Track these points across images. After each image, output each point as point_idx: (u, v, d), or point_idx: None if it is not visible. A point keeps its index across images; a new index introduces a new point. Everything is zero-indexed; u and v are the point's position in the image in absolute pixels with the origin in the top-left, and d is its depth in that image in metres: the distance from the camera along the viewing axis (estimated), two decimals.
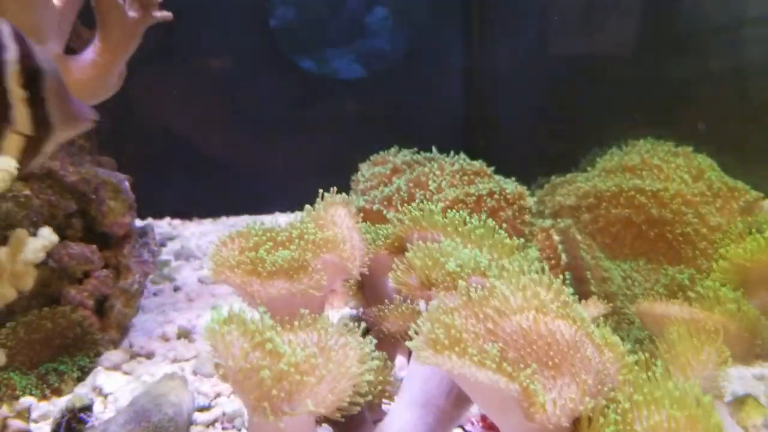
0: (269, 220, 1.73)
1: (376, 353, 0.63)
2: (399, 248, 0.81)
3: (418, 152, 1.27)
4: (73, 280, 1.01)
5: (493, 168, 1.17)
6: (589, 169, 1.24)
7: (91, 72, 1.07)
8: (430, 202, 1.10)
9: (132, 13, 1.05)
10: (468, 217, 0.79)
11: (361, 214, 1.03)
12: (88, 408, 0.78)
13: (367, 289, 0.88)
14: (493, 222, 0.78)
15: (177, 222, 1.81)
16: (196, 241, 1.60)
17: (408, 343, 0.56)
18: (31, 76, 0.63)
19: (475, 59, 1.97)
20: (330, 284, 0.74)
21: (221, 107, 1.90)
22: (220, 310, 0.61)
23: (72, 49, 1.12)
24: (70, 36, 1.12)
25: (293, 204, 1.88)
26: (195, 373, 0.95)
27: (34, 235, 0.77)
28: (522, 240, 0.81)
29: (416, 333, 0.56)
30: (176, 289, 1.29)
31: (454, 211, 1.08)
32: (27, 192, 0.97)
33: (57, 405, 0.87)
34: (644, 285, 1.04)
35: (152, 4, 1.07)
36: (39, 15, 1.03)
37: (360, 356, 0.59)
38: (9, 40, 0.62)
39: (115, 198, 1.05)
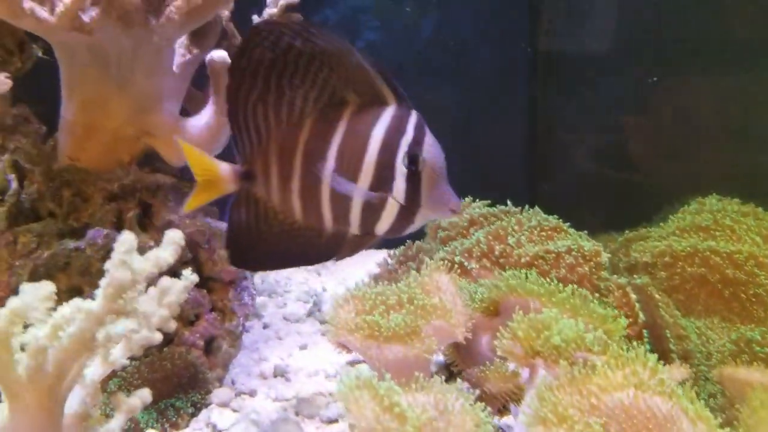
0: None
1: (489, 418, 0.70)
2: (494, 311, 0.89)
3: (493, 205, 1.34)
4: (186, 321, 1.11)
5: (562, 221, 1.24)
6: (661, 224, 1.29)
7: (206, 133, 1.19)
8: (510, 258, 1.17)
9: None
10: (560, 284, 0.86)
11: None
12: None
13: (462, 348, 0.95)
14: (585, 290, 0.84)
15: None
16: (274, 276, 1.70)
17: (519, 418, 0.63)
18: (414, 159, 0.77)
19: (542, 108, 2.04)
20: (438, 347, 0.82)
21: None
22: (350, 375, 0.69)
23: (185, 109, 1.24)
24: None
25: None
26: (297, 413, 1.04)
27: None
28: (615, 311, 0.88)
29: (527, 409, 0.64)
30: (265, 326, 1.39)
31: (535, 268, 1.15)
32: (151, 243, 1.08)
33: None
34: (718, 343, 1.09)
35: None
36: (162, 81, 1.15)
37: (476, 420, 0.67)
38: (410, 127, 0.77)
39: (224, 248, 1.15)
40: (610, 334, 0.82)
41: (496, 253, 1.16)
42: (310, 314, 1.45)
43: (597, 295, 1.12)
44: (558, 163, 2.03)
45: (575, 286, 0.85)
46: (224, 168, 0.83)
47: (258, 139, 0.83)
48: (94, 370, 0.79)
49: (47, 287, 0.75)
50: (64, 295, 1.05)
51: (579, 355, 0.71)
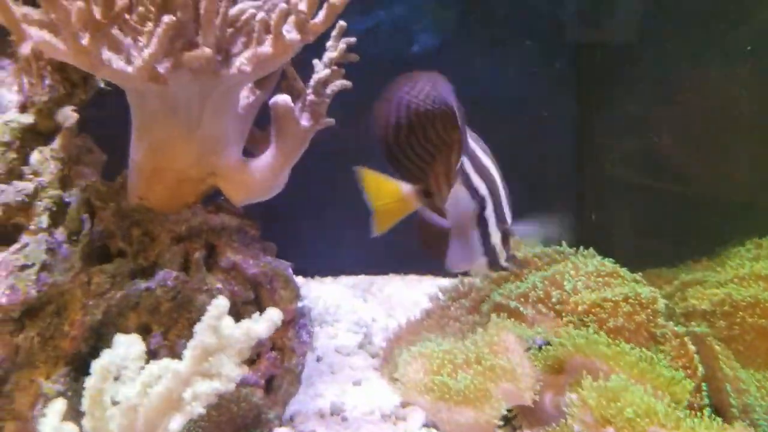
0: (383, 281, 1.85)
1: None
2: (558, 369, 0.90)
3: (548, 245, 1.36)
4: (248, 361, 1.14)
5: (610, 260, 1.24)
6: (718, 269, 1.29)
7: (268, 173, 1.22)
8: (567, 305, 1.18)
9: (305, 123, 1.19)
10: (627, 345, 0.86)
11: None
12: None
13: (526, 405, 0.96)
14: (651, 353, 0.85)
15: (300, 280, 1.94)
16: (323, 303, 1.73)
17: None
18: None
19: (590, 134, 2.04)
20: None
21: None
22: None
23: (246, 149, 1.27)
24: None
25: (407, 268, 1.99)
26: None
27: None
28: (681, 374, 0.88)
29: None
30: (318, 359, 1.41)
31: (593, 315, 1.16)
32: (219, 285, 1.12)
33: None
34: None
35: (321, 115, 1.20)
36: (227, 124, 1.19)
37: None
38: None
39: (285, 288, 1.19)
40: (676, 398, 0.83)
41: (553, 299, 1.17)
42: (361, 347, 1.47)
43: (654, 343, 1.12)
44: (605, 186, 2.02)
45: (643, 349, 0.86)
46: (407, 189, 1.04)
47: (419, 167, 1.02)
48: (177, 420, 0.83)
49: (138, 347, 0.78)
50: (134, 331, 1.09)
51: (652, 430, 0.72)
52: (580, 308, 1.14)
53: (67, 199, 1.18)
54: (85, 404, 0.77)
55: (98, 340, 1.11)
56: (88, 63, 1.01)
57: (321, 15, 1.04)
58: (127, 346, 0.82)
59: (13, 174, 1.17)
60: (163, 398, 0.76)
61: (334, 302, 1.73)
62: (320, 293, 1.82)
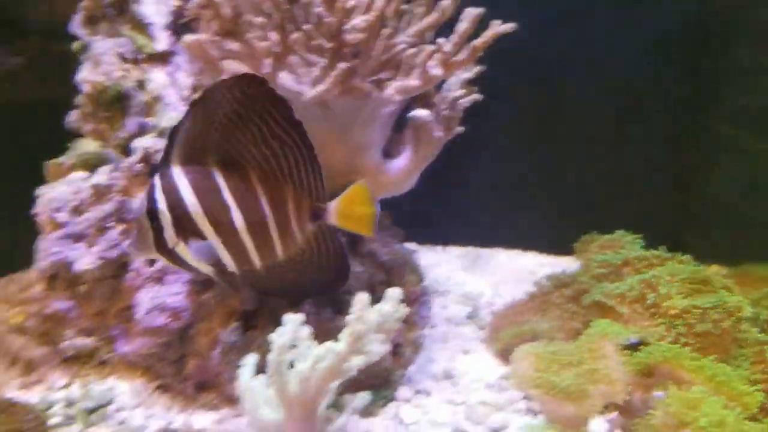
0: (489, 254, 2.04)
1: None
2: (647, 374, 1.07)
3: (646, 248, 1.49)
4: None
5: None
6: None
7: (402, 174, 1.42)
8: (660, 308, 1.33)
9: (438, 133, 1.37)
10: (709, 359, 1.02)
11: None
12: None
13: None
14: (729, 368, 1.01)
15: (413, 246, 2.14)
16: (435, 273, 1.94)
17: None
18: None
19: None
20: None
21: None
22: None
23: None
24: None
25: (512, 243, 2.16)
26: (467, 418, 1.29)
27: None
28: (752, 388, 1.03)
29: None
30: (432, 326, 1.64)
31: (682, 319, 1.31)
32: (360, 269, 1.35)
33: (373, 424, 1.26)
34: None
35: (453, 127, 1.38)
36: (373, 131, 1.39)
37: None
38: None
39: (412, 273, 1.41)
40: (747, 407, 0.99)
41: (648, 302, 1.32)
42: (469, 318, 1.68)
43: (737, 347, 1.27)
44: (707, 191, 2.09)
45: (722, 363, 1.01)
46: None
47: None
48: (336, 383, 1.07)
49: (306, 330, 1.03)
50: None
51: None
52: (672, 312, 1.28)
53: None
54: (269, 372, 1.02)
55: (261, 303, 1.37)
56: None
57: (463, 54, 1.20)
58: (294, 324, 1.06)
59: None
60: (327, 371, 1.00)
61: (445, 273, 1.94)
62: (432, 262, 2.02)
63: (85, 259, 1.36)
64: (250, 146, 1.07)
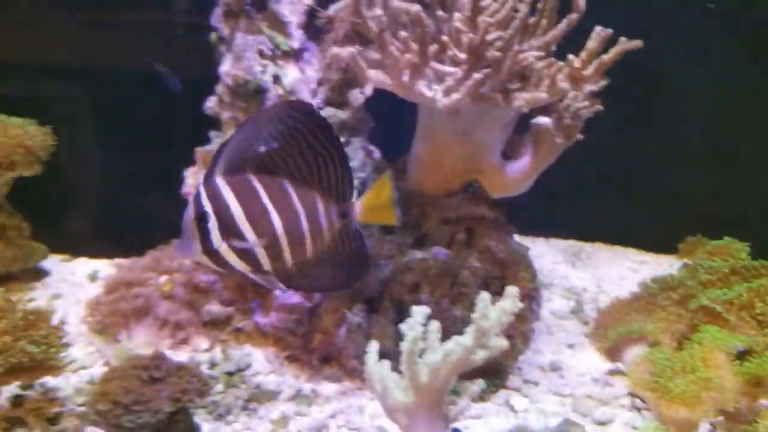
0: (591, 249, 2.09)
1: None
2: (756, 383, 1.13)
3: (756, 258, 1.51)
4: None
5: None
6: None
7: (521, 176, 1.50)
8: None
9: (559, 140, 1.44)
10: None
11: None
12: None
13: None
14: None
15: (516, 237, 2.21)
16: (537, 265, 2.00)
17: None
18: None
19: None
20: None
21: None
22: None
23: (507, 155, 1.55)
24: None
25: (613, 239, 2.20)
26: (574, 410, 1.38)
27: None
28: None
29: None
30: (537, 318, 1.73)
31: None
32: (477, 264, 1.45)
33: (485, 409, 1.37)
34: None
35: (573, 135, 1.44)
36: (494, 134, 1.47)
37: None
38: None
39: (525, 270, 1.50)
40: None
41: (757, 311, 1.36)
42: (573, 312, 1.76)
43: None
44: None
45: None
46: None
47: None
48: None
49: (436, 324, 1.14)
50: (407, 288, 1.48)
51: None
52: None
53: (363, 177, 1.56)
54: (403, 360, 1.14)
55: (384, 288, 1.50)
56: (404, 93, 1.34)
57: (591, 69, 1.26)
58: (422, 315, 1.17)
59: None
60: (455, 363, 1.11)
61: (548, 265, 2.01)
62: (535, 253, 2.08)
63: None
64: (288, 159, 1.20)
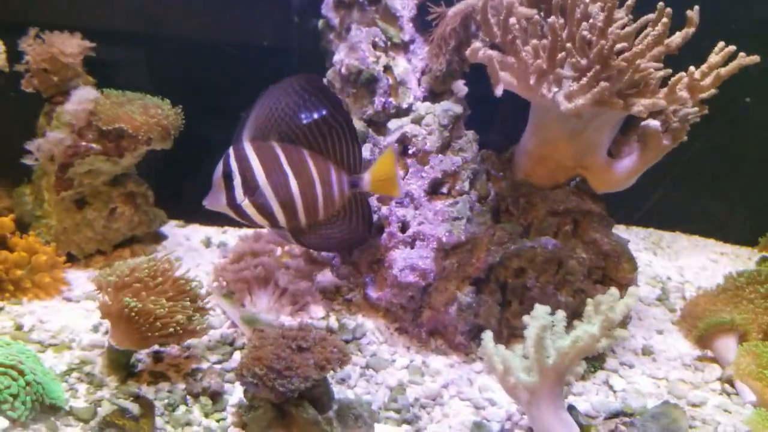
0: (671, 238, 2.18)
1: None
2: None
3: None
4: None
5: None
6: None
7: (626, 174, 1.59)
8: None
9: (666, 142, 1.53)
10: None
11: None
12: (629, 414, 1.38)
13: None
14: None
15: None
16: None
17: None
18: None
19: None
20: None
21: None
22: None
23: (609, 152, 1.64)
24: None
25: (693, 228, 2.28)
26: (669, 392, 1.50)
27: None
28: None
29: None
30: None
31: None
32: (584, 255, 1.57)
33: (586, 388, 1.50)
34: None
35: (680, 138, 1.53)
36: (603, 134, 1.57)
37: None
38: None
39: (627, 262, 1.60)
40: None
41: None
42: (659, 300, 1.87)
43: None
44: None
45: None
46: None
47: None
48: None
49: (562, 313, 1.26)
50: (512, 272, 1.60)
51: None
52: None
53: (475, 167, 1.67)
54: (530, 344, 1.26)
55: (489, 272, 1.62)
56: (530, 95, 1.44)
57: (708, 80, 1.34)
58: (544, 311, 1.29)
59: (446, 148, 1.68)
60: (582, 349, 1.24)
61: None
62: None
63: None
64: (305, 129, 1.41)
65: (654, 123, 1.52)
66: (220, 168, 1.39)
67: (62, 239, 1.85)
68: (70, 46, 1.83)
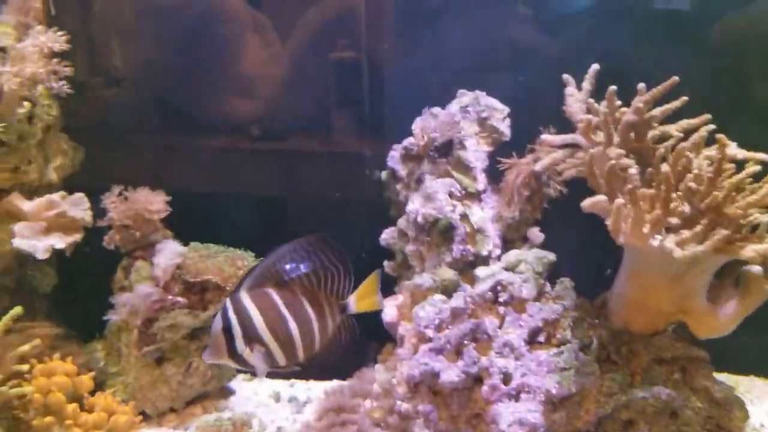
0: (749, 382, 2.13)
1: None
2: None
3: None
4: None
5: None
6: None
7: (727, 320, 1.57)
8: None
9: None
10: None
11: None
12: None
13: None
14: None
15: None
16: None
17: None
18: None
19: None
20: None
21: None
22: None
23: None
24: None
25: None
26: None
27: None
28: None
29: None
30: None
31: None
32: (700, 405, 1.52)
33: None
34: None
35: None
36: (703, 278, 1.58)
37: None
38: None
39: (740, 410, 1.55)
40: None
41: None
42: None
43: None
44: None
45: None
46: None
47: None
48: None
49: None
50: (620, 424, 1.54)
51: None
52: None
53: (575, 315, 1.66)
54: None
55: (599, 425, 1.56)
56: (641, 245, 1.46)
57: None
58: None
59: (541, 295, 1.68)
60: None
61: None
62: None
63: (451, 372, 1.61)
64: (303, 276, 1.47)
65: (756, 268, 1.54)
66: (219, 322, 1.41)
67: (138, 397, 1.77)
68: (155, 202, 1.86)
